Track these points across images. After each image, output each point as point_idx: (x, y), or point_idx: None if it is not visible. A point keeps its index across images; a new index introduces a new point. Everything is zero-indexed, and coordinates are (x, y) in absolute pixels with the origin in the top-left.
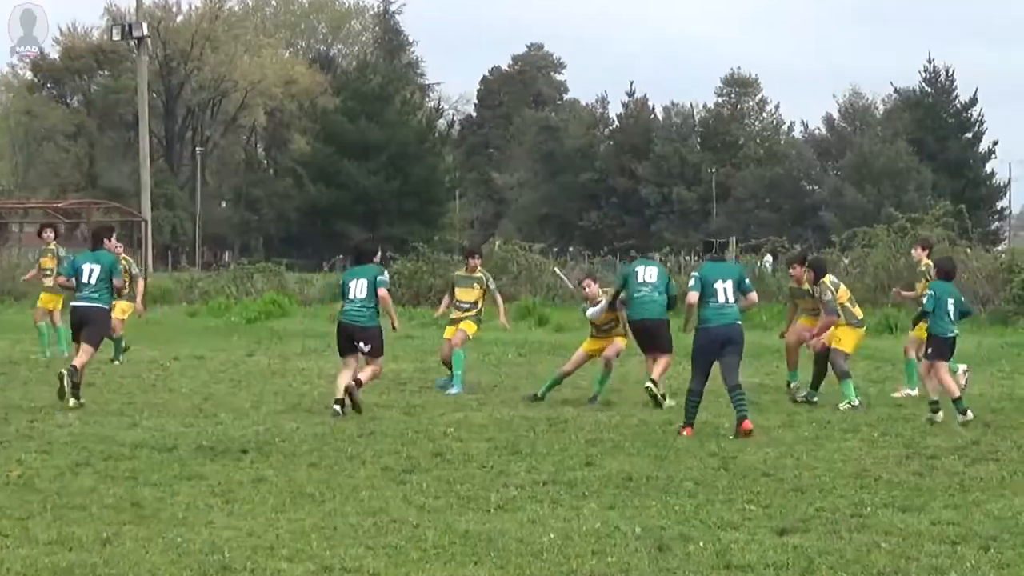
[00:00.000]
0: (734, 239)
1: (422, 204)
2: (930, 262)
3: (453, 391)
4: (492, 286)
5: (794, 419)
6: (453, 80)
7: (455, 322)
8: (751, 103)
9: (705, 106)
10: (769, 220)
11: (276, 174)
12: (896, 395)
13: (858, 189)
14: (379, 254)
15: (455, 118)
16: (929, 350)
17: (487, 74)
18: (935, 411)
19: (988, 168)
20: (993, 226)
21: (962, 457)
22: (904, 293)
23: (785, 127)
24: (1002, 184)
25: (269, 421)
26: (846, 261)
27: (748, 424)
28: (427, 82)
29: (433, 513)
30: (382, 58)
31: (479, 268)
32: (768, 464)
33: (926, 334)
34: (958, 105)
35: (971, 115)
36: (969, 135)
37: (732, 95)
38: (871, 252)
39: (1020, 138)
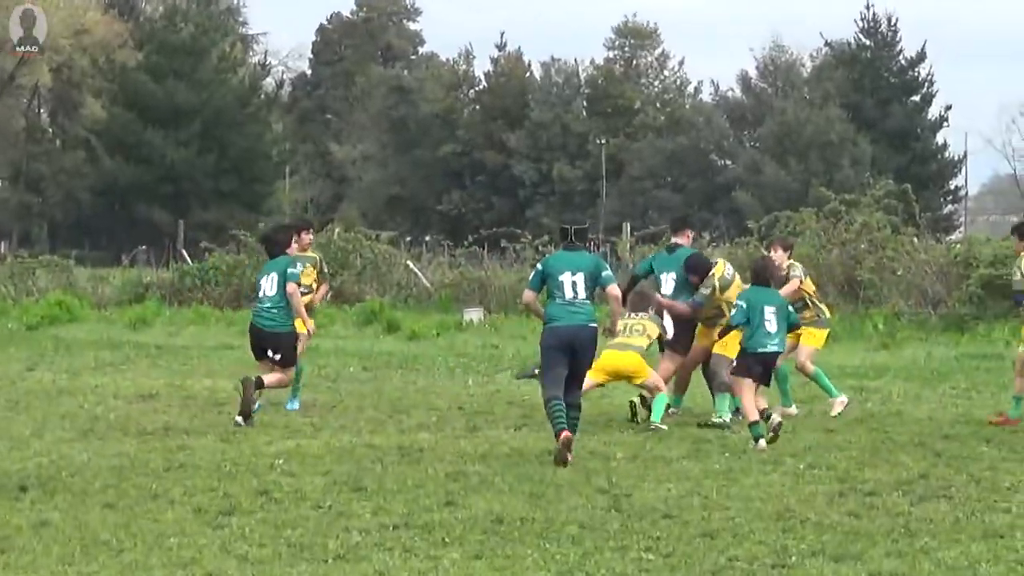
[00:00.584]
0: (627, 225)
1: (243, 183)
2: (796, 263)
3: (291, 407)
4: (326, 270)
5: (701, 448)
6: (283, 31)
7: None
8: (649, 59)
9: (593, 63)
10: (671, 202)
11: (64, 146)
12: (834, 413)
13: (780, 164)
14: (291, 245)
15: (285, 77)
16: (736, 363)
17: (325, 23)
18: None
19: (939, 139)
20: (945, 210)
21: (907, 494)
22: None
23: (691, 89)
24: (956, 159)
25: (55, 451)
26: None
27: (567, 434)
28: (250, 32)
29: (258, 565)
30: (195, 3)
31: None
32: (670, 503)
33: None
34: (903, 62)
35: (918, 74)
36: (916, 99)
37: (626, 49)
38: (797, 241)
39: (977, 102)
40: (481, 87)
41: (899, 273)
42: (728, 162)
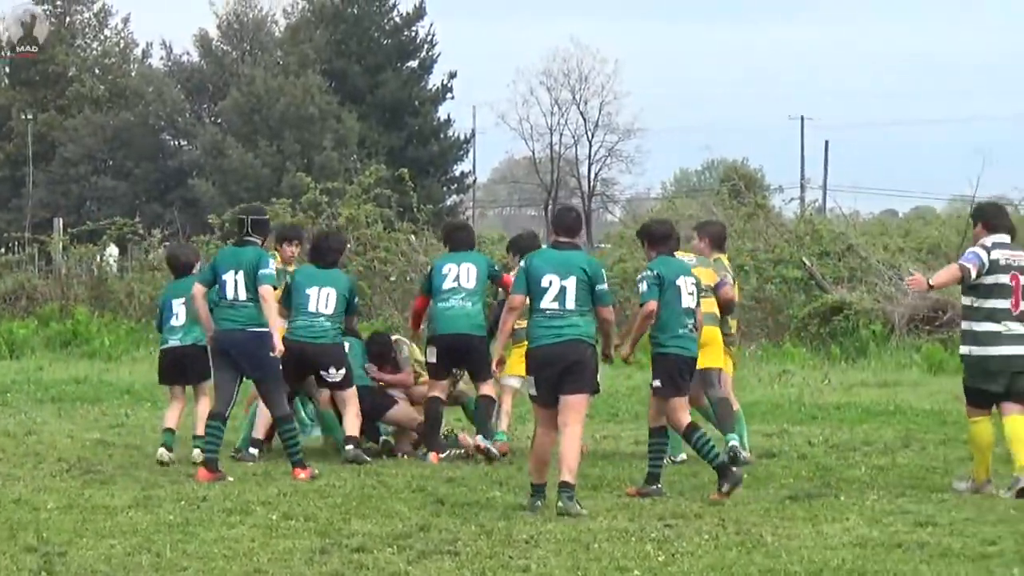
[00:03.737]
0: (60, 221)
1: None
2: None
3: None
4: None
5: (152, 495)
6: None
7: None
8: (86, 15)
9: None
10: (115, 192)
11: None
12: None
13: (248, 146)
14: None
15: None
16: None
17: None
18: None
19: (442, 114)
20: (450, 200)
21: (404, 549)
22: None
23: (139, 52)
24: (463, 138)
25: None
26: None
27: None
28: None
29: None
30: None
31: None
32: (114, 563)
33: None
34: (397, 20)
35: (415, 34)
36: (413, 64)
37: (57, 3)
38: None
39: (487, 70)
40: None
41: (393, 279)
42: (184, 143)
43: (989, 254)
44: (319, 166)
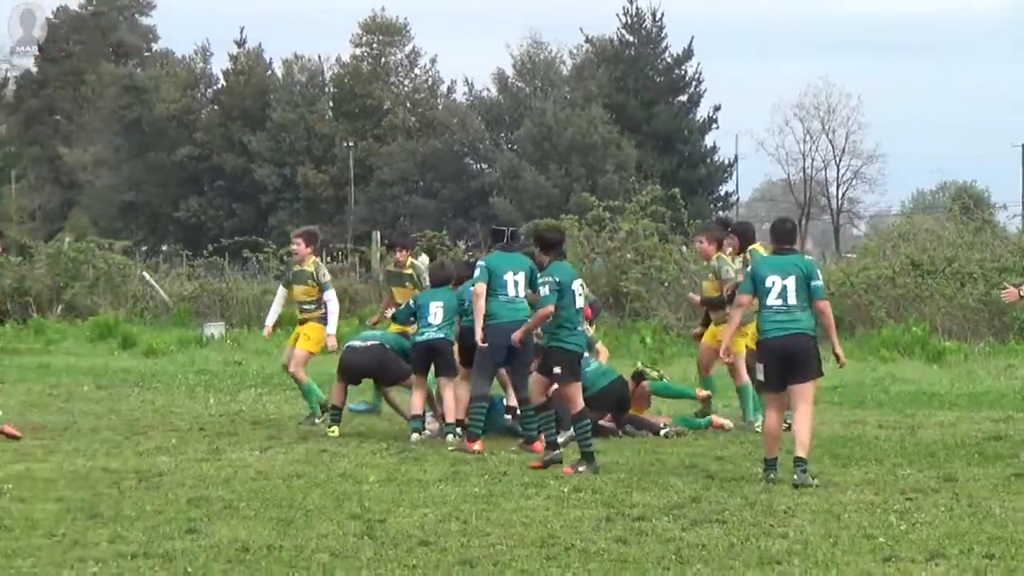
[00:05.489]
0: (377, 234)
1: None
2: (723, 255)
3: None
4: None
5: (459, 471)
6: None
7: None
8: (399, 56)
9: (339, 60)
10: (424, 209)
11: None
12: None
13: (540, 169)
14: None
15: (9, 75)
16: None
17: (51, 17)
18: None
19: (708, 142)
20: (715, 216)
21: (678, 519)
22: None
23: (444, 88)
24: (727, 163)
25: None
26: None
27: (538, 445)
28: None
29: None
30: None
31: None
32: (427, 529)
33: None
34: (668, 60)
35: (685, 72)
36: (683, 98)
37: (374, 45)
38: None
39: (748, 103)
40: (219, 86)
41: (667, 284)
42: (484, 166)
43: None
44: (602, 187)
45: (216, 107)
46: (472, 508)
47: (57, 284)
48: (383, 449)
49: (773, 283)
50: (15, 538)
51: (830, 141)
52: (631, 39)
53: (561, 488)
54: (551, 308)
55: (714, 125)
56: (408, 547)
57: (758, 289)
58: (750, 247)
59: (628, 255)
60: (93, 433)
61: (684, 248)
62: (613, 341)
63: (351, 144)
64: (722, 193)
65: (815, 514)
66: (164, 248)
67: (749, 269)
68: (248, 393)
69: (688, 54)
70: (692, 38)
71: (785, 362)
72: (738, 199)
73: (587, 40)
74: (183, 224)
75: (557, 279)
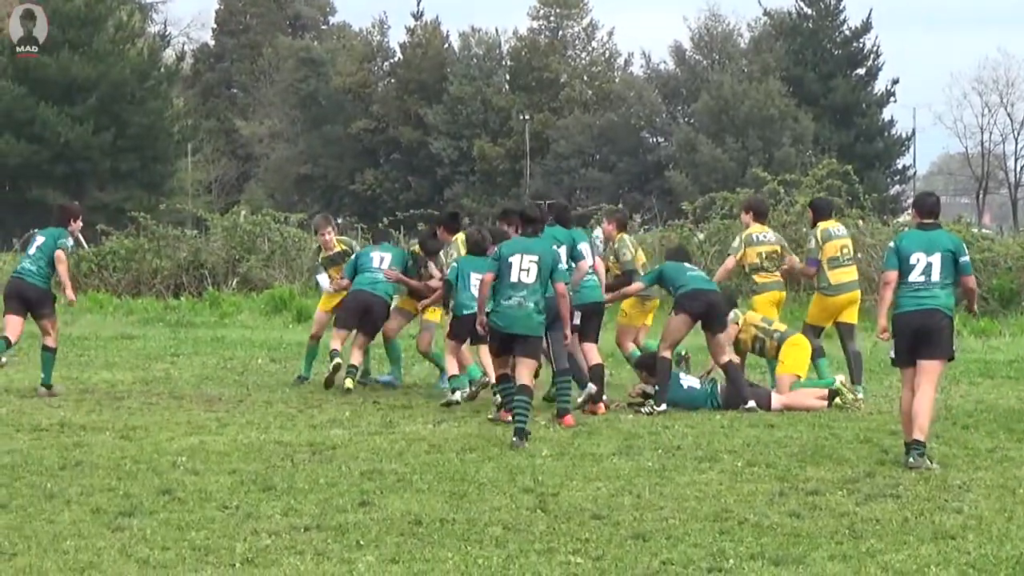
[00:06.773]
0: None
1: (143, 162)
2: (624, 236)
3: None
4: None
5: (632, 444)
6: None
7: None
8: (576, 29)
9: (516, 33)
10: (600, 182)
11: None
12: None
13: (716, 142)
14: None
15: (187, 48)
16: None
17: None
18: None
19: (886, 115)
20: (892, 190)
21: (852, 493)
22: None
23: (621, 61)
24: (904, 136)
25: None
26: (700, 236)
27: (570, 420)
28: (149, 0)
29: (160, 569)
30: None
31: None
32: (600, 503)
33: None
34: (847, 32)
35: (863, 45)
36: (861, 72)
37: (551, 18)
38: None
39: (927, 76)
40: (396, 59)
41: None
42: (661, 140)
43: None
44: (778, 160)
45: (392, 80)
46: (645, 482)
47: (232, 257)
48: (555, 423)
49: (918, 260)
50: (189, 510)
51: (1008, 114)
52: (809, 12)
53: (735, 463)
54: (491, 276)
55: (892, 98)
56: (581, 521)
57: (902, 266)
58: (821, 224)
59: (804, 229)
60: (267, 406)
61: (860, 222)
62: (788, 314)
63: (527, 117)
64: (899, 167)
65: (990, 489)
66: (339, 221)
67: (893, 244)
68: (422, 367)
69: (866, 27)
70: (871, 10)
71: (917, 337)
72: (915, 173)
73: (765, 13)
74: (358, 197)
75: (501, 251)
